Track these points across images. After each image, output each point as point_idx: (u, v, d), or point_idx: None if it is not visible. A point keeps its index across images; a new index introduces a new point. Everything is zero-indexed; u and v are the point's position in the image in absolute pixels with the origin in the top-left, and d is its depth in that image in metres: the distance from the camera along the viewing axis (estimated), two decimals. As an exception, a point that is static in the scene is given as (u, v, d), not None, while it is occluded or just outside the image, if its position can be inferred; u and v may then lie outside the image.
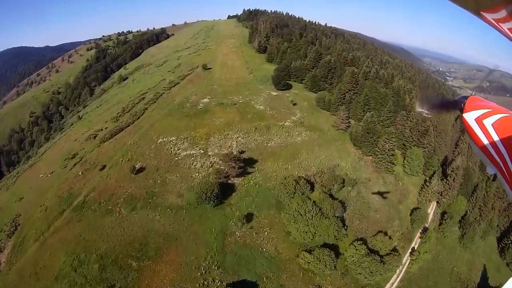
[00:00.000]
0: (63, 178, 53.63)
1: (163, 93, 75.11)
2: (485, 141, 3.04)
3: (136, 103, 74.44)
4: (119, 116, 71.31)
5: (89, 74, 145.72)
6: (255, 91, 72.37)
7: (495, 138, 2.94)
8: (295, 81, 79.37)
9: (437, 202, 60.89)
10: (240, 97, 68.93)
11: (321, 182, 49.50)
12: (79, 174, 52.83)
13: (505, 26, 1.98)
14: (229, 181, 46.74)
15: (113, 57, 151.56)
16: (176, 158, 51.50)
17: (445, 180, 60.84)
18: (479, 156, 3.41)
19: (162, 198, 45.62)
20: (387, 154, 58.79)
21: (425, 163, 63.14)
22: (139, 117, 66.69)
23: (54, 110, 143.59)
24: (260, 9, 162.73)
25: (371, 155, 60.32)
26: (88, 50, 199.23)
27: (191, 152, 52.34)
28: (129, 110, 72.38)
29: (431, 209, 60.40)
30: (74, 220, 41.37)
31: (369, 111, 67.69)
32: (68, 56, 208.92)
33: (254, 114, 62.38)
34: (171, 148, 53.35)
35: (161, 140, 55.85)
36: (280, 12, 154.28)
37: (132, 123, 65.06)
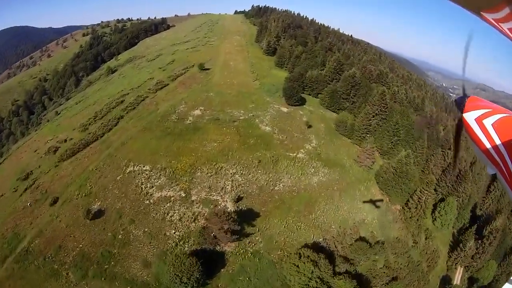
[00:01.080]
0: (11, 208, 39.91)
1: (147, 96, 58.08)
2: (485, 141, 2.84)
3: (113, 108, 57.46)
4: (89, 124, 54.52)
5: (78, 63, 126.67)
6: (261, 104, 55.77)
7: (495, 138, 2.76)
8: (309, 94, 62.84)
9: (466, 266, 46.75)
10: (242, 111, 52.36)
11: (344, 252, 33.97)
12: (27, 205, 38.36)
13: (505, 26, 1.87)
14: (218, 248, 30.91)
15: (106, 45, 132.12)
16: (147, 201, 35.43)
17: (479, 241, 46.39)
18: (479, 156, 3.13)
19: (122, 265, 30.21)
20: (423, 209, 43.67)
21: (457, 216, 48.63)
22: (111, 129, 50.09)
23: (37, 99, 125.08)
24: (270, 6, 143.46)
25: (399, 204, 45.22)
26: (84, 35, 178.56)
27: (168, 193, 36.22)
28: (102, 117, 55.52)
29: (458, 274, 46.27)
30: (16, 275, 29.77)
31: (398, 143, 52.34)
32: (62, 40, 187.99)
33: (259, 139, 46.07)
34: (141, 184, 37.20)
35: (131, 169, 39.62)
36: (291, 11, 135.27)
37: (101, 137, 48.57)
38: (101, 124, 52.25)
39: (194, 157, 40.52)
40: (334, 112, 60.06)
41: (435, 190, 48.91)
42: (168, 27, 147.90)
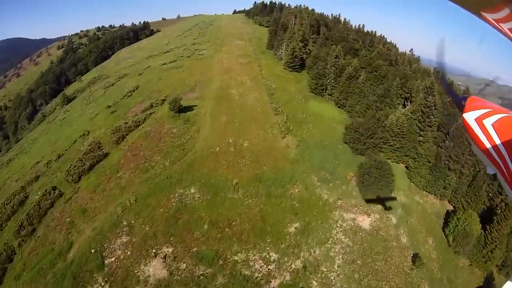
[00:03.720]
0: None
1: (61, 194, 25.63)
2: (485, 141, 2.74)
3: (6, 220, 25.43)
4: None
5: (38, 86, 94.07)
6: (315, 216, 23.09)
7: (495, 138, 2.66)
8: (388, 158, 30.40)
9: None
10: (274, 256, 19.76)
11: None
12: None
13: (505, 26, 1.81)
14: None
15: (73, 61, 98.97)
16: None
17: None
18: (479, 156, 2.99)
19: None
20: None
21: None
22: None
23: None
24: (280, 1, 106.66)
25: None
26: (58, 48, 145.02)
27: None
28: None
29: None
30: None
31: None
32: (37, 55, 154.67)
33: None
34: None
35: None
36: (307, 7, 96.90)
37: None
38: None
39: None
40: (432, 193, 27.89)
41: None
42: (152, 33, 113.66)
